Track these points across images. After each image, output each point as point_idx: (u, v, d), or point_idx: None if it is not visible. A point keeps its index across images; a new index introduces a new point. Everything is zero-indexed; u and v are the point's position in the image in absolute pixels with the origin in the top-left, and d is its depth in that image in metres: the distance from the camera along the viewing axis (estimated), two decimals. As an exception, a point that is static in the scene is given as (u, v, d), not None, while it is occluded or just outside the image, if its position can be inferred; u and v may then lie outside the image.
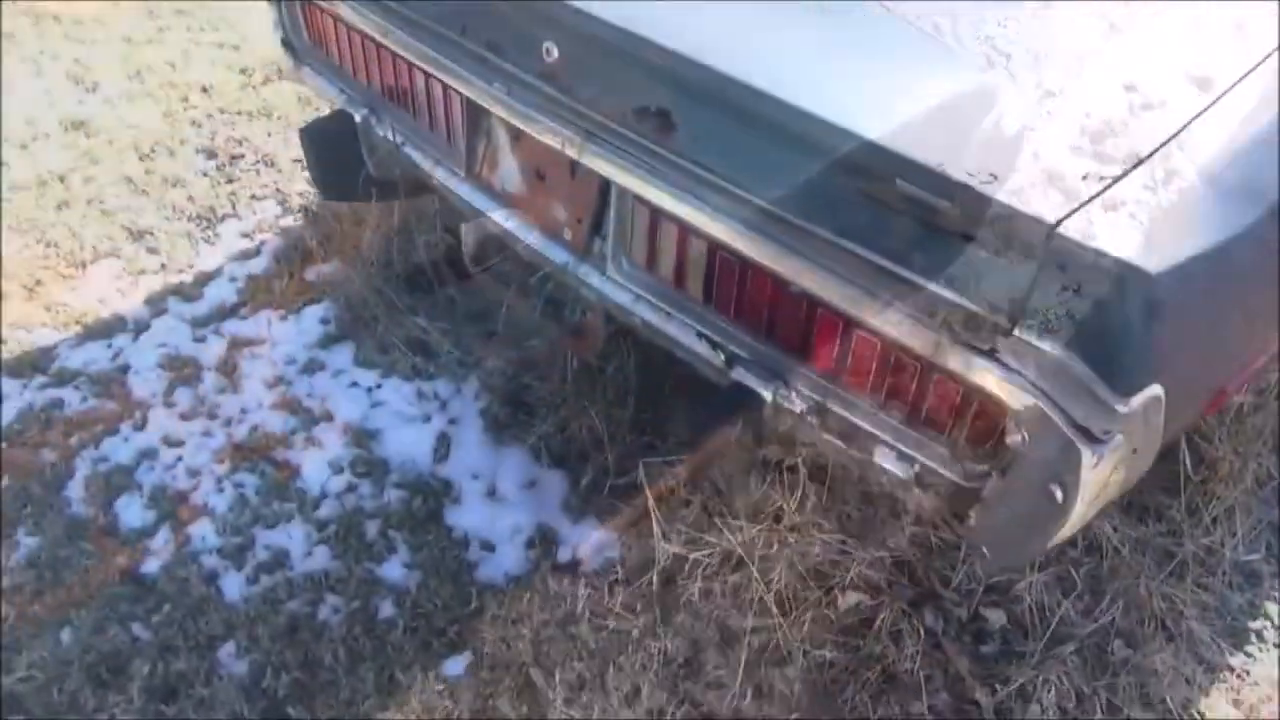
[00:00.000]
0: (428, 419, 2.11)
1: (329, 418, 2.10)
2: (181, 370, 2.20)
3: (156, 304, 2.38)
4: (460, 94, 1.80)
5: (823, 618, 1.72)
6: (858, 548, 1.75)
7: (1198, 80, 1.27)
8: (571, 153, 1.56)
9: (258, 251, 2.55)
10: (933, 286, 1.21)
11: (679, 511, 1.85)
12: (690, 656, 1.69)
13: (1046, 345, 1.14)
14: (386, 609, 1.76)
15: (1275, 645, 1.74)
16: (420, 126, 1.98)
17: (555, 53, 1.56)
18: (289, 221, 2.66)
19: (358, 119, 2.03)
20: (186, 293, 2.42)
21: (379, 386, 2.18)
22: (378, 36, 1.90)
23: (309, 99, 3.15)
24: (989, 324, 1.17)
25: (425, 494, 1.95)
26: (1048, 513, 1.18)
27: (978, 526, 1.30)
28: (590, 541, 1.88)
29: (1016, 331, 1.16)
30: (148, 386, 2.16)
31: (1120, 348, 1.12)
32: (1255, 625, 1.76)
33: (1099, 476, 1.13)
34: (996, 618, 1.72)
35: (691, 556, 1.77)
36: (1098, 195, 1.13)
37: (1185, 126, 1.20)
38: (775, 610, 1.69)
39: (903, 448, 1.37)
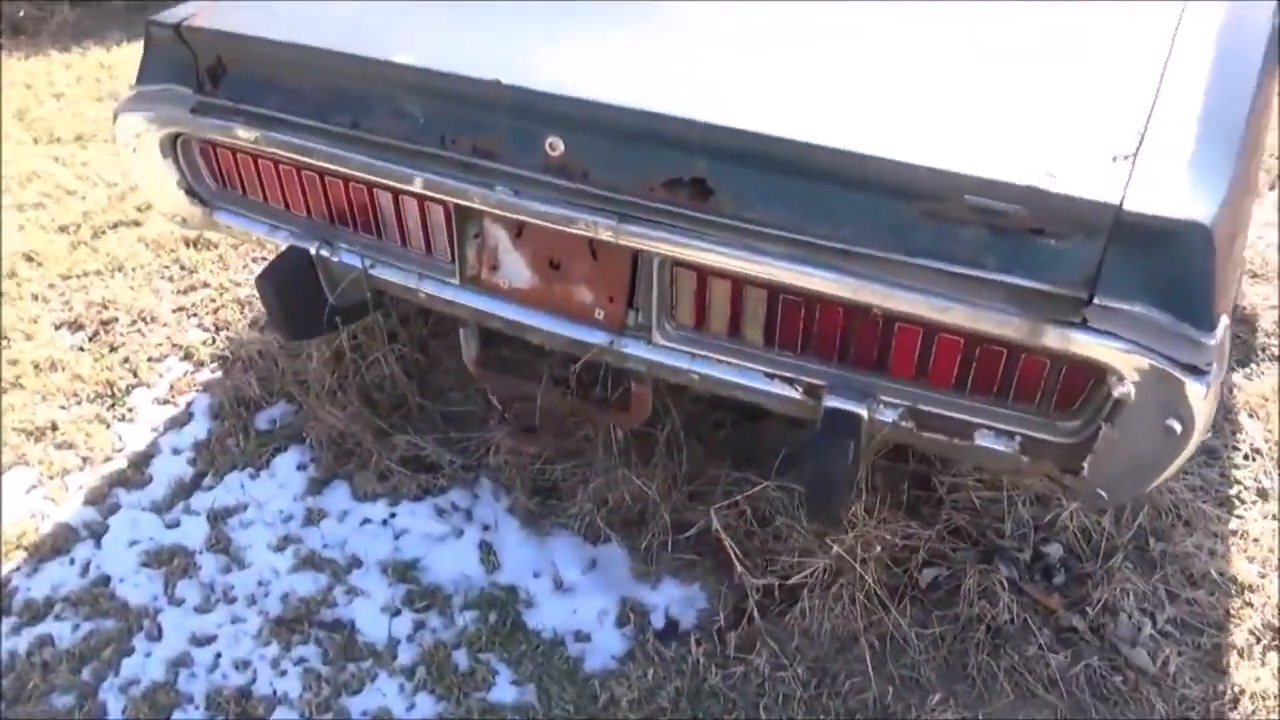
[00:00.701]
0: (460, 533, 2.05)
1: (358, 563, 2.00)
2: (171, 562, 2.00)
3: (103, 502, 2.14)
4: (444, 203, 1.79)
5: (916, 600, 1.86)
6: (920, 528, 1.91)
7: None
8: (606, 236, 1.60)
9: (189, 416, 2.35)
10: (1014, 280, 1.38)
11: (746, 545, 1.92)
12: (821, 673, 1.78)
13: (1129, 306, 1.33)
14: (520, 732, 1.72)
15: (1251, 503, 2.07)
16: (389, 244, 1.93)
17: (561, 146, 1.60)
18: (207, 375, 2.47)
19: (313, 252, 1.95)
20: (131, 480, 2.19)
21: (393, 516, 2.09)
22: (328, 165, 1.85)
23: (162, 243, 2.93)
24: (1072, 300, 1.35)
25: (496, 606, 1.91)
26: (1169, 446, 1.37)
27: (1092, 475, 1.47)
28: (677, 600, 1.92)
29: (1097, 300, 1.34)
30: (142, 591, 1.95)
31: (1192, 291, 1.32)
32: (1233, 492, 2.09)
33: (1209, 403, 1.33)
34: (1055, 551, 1.93)
35: (781, 583, 1.86)
36: (1131, 172, 1.34)
37: (1159, 88, 1.45)
38: (880, 605, 1.81)
39: (1001, 426, 1.53)
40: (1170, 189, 1.33)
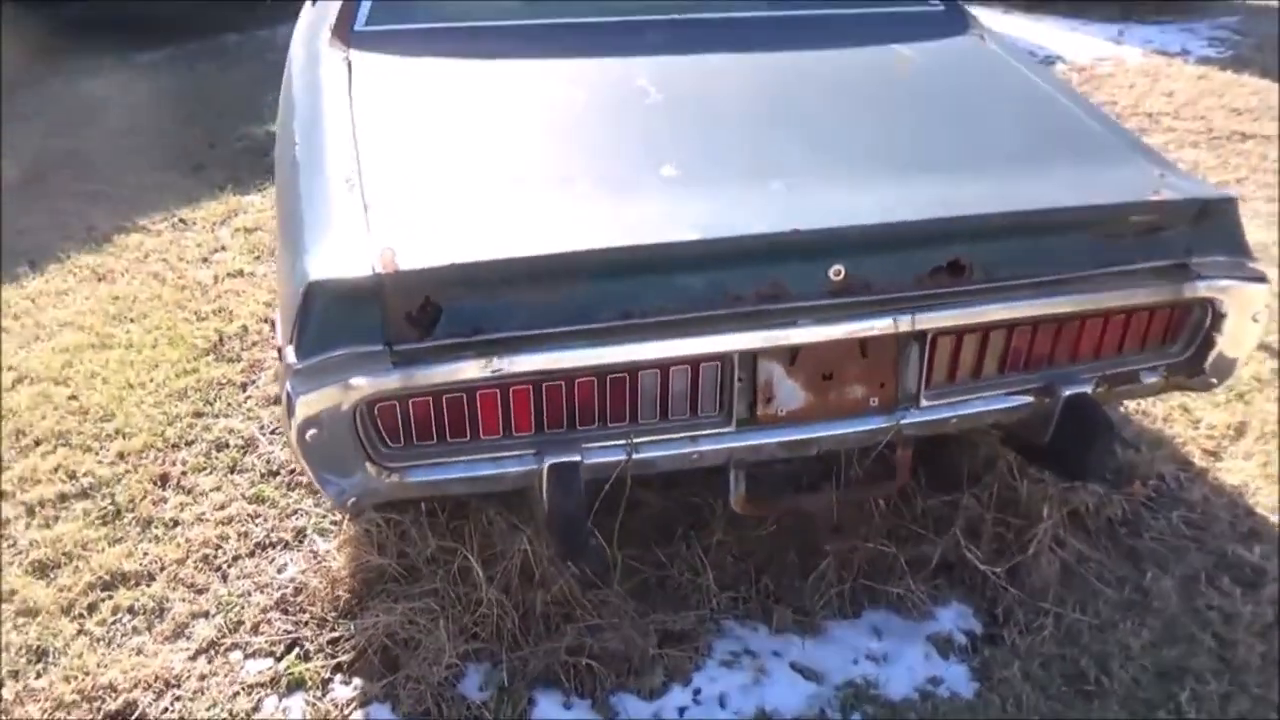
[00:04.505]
0: (767, 672, 2.10)
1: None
2: None
3: None
4: (723, 358, 1.91)
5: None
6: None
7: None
8: (904, 330, 1.95)
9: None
10: (1156, 263, 2.10)
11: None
12: (1082, 601, 2.27)
13: (1212, 257, 2.13)
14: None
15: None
16: (644, 424, 1.95)
17: (843, 270, 1.91)
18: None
19: (581, 461, 1.89)
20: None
21: (698, 691, 2.05)
22: (588, 364, 1.84)
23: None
24: (1182, 265, 2.12)
25: (866, 701, 2.04)
26: (1255, 330, 2.19)
27: (1209, 370, 2.23)
28: (956, 618, 2.25)
29: (1194, 260, 2.12)
30: None
31: (1241, 240, 2.15)
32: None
33: (1271, 296, 2.18)
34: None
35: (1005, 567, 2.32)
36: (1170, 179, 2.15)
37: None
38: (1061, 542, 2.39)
39: (1150, 364, 2.23)
40: (1194, 185, 2.18)
